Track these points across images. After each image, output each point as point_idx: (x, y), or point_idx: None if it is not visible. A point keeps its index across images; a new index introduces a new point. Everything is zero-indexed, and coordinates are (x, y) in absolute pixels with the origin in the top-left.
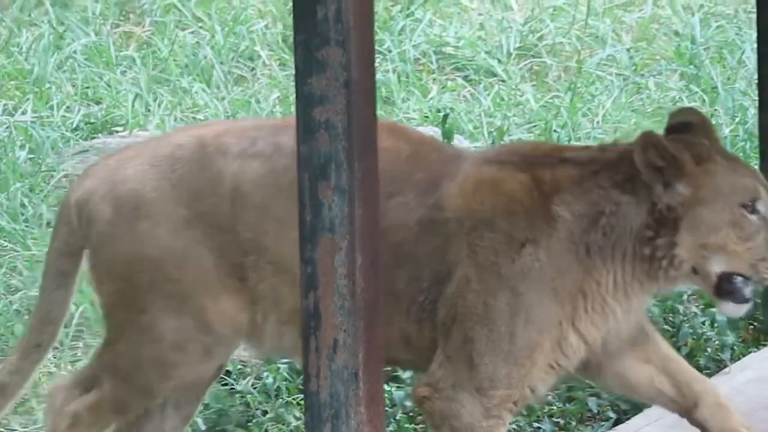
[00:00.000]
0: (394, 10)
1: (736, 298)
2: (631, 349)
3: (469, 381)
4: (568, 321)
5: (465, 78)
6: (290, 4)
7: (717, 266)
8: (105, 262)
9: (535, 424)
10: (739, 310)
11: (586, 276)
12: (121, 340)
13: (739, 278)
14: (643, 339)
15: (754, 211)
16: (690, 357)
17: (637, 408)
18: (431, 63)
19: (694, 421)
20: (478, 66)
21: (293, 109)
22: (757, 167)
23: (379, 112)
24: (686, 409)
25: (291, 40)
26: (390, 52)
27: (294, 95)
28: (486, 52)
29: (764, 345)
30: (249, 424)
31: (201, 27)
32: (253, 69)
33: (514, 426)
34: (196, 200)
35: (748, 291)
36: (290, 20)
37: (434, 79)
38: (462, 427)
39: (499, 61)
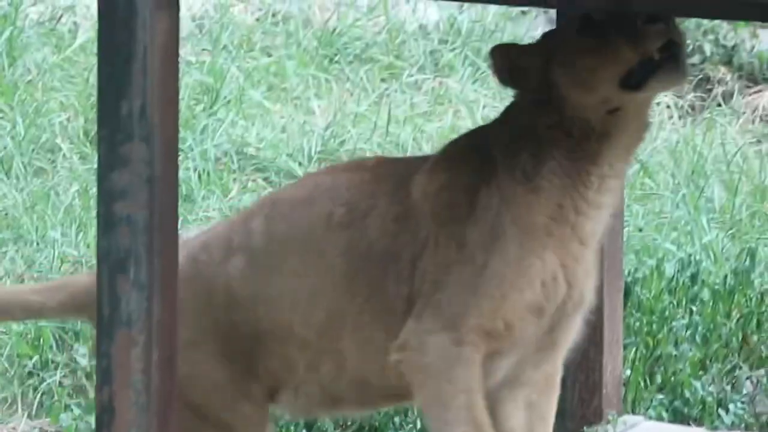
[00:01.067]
0: (197, 109)
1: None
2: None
3: (435, 322)
4: (544, 248)
5: (265, 179)
6: (93, 98)
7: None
8: None
9: None
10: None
11: (541, 200)
12: None
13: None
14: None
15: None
16: None
17: None
18: (232, 163)
19: None
20: (278, 168)
21: (92, 202)
22: None
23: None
24: None
25: (92, 133)
26: (192, 150)
27: (94, 189)
28: (287, 155)
29: None
30: None
31: (2, 117)
32: (53, 161)
33: None
34: (196, 322)
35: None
36: (92, 114)
37: (235, 179)
38: (433, 361)
39: (300, 163)
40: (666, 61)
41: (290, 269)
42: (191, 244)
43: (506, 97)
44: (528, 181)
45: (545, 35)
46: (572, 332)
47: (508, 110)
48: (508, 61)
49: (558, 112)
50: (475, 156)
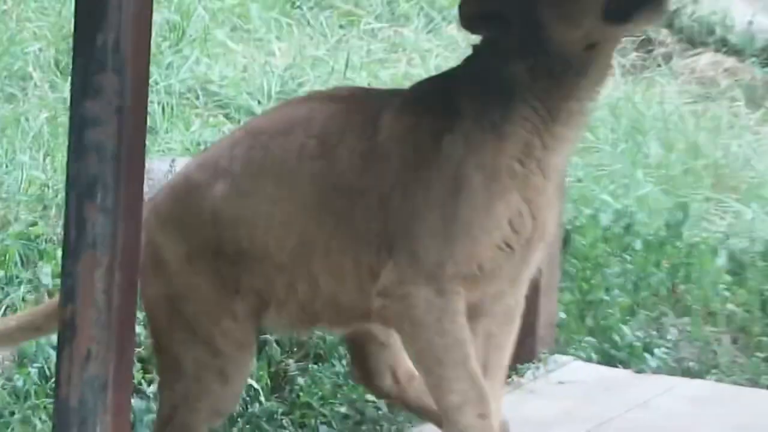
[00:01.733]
0: (163, 46)
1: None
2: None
3: (416, 273)
4: (510, 190)
5: (226, 115)
6: (65, 30)
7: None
8: (144, 307)
9: None
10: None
11: (514, 145)
12: (162, 382)
13: None
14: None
15: None
16: None
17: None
18: (196, 99)
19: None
20: (239, 105)
21: (60, 129)
22: None
23: None
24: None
25: (63, 64)
26: (157, 84)
27: (63, 117)
28: (248, 93)
29: None
30: None
31: None
32: (24, 89)
33: None
34: (192, 235)
35: None
36: (63, 45)
37: (197, 114)
38: (420, 315)
39: (259, 102)
40: None
41: (266, 195)
42: (190, 163)
43: (458, 47)
44: (495, 129)
45: None
46: (534, 264)
47: (471, 58)
48: (477, 9)
49: (533, 55)
50: (441, 101)
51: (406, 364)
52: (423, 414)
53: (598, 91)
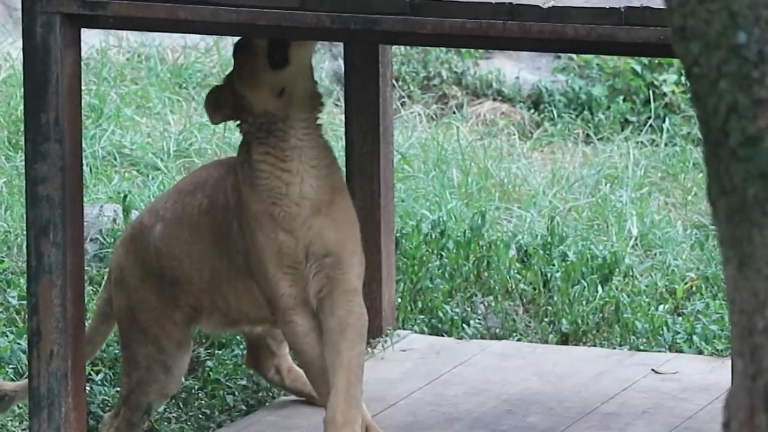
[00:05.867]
0: (87, 123)
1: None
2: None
3: (277, 311)
4: (275, 229)
5: (138, 171)
6: (14, 116)
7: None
8: (114, 314)
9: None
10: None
11: (264, 193)
12: (123, 370)
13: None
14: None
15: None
16: None
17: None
18: (114, 160)
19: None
20: (147, 162)
21: (15, 189)
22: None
23: None
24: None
25: (14, 141)
26: (85, 150)
27: (17, 180)
28: (152, 153)
29: None
30: None
31: None
32: None
33: None
34: (143, 263)
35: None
36: (13, 127)
37: (116, 171)
38: (287, 339)
39: (161, 159)
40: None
41: (185, 239)
42: (144, 209)
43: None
44: (249, 182)
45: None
46: (341, 280)
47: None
48: (213, 103)
49: (252, 119)
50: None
51: (288, 362)
52: (297, 394)
53: (312, 124)
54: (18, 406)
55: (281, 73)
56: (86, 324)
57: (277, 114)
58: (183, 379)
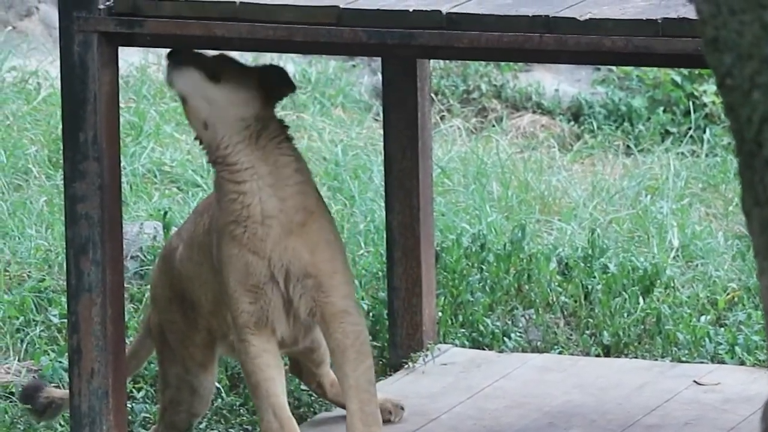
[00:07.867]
0: (127, 140)
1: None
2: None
3: (233, 325)
4: (240, 248)
5: (178, 188)
6: (53, 134)
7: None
8: (152, 330)
9: None
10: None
11: (228, 215)
12: (159, 388)
13: None
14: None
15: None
16: None
17: None
18: (154, 177)
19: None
20: (186, 179)
21: (56, 208)
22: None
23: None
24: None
25: (54, 159)
26: (125, 168)
27: (57, 198)
28: (192, 170)
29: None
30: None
31: None
32: (27, 180)
33: None
34: (170, 284)
35: None
36: (54, 146)
37: (156, 188)
38: (239, 358)
39: (202, 176)
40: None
41: (196, 260)
42: (175, 231)
43: (345, 124)
44: (218, 201)
45: None
46: (326, 303)
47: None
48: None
49: (201, 147)
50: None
51: (330, 377)
52: (341, 406)
53: (253, 140)
54: (60, 424)
55: (186, 107)
56: (127, 342)
57: (212, 144)
58: (224, 396)
